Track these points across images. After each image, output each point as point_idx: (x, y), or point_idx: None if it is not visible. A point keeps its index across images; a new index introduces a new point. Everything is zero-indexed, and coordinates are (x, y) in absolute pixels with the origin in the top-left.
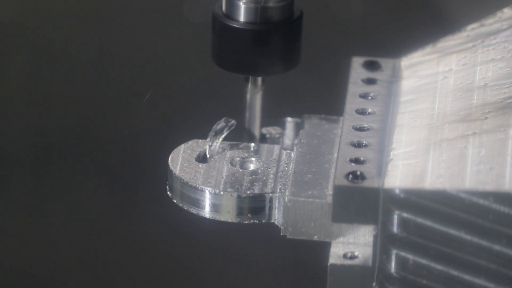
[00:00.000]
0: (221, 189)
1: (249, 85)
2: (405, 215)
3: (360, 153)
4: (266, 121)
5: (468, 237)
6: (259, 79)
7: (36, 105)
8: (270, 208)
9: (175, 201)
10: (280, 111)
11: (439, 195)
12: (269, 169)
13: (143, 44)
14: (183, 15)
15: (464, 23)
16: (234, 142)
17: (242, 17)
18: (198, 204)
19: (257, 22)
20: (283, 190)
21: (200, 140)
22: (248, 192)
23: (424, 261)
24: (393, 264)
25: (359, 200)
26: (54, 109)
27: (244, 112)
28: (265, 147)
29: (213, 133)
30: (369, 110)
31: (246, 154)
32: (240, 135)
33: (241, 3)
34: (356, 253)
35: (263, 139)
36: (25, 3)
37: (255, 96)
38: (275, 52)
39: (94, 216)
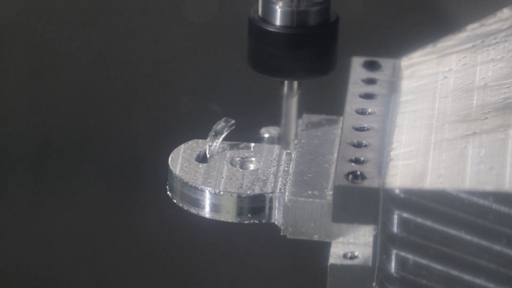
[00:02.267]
0: (221, 189)
1: (285, 88)
2: (405, 215)
3: (360, 153)
4: (267, 120)
5: (468, 237)
6: (295, 83)
7: (36, 105)
8: (270, 208)
9: (175, 201)
10: (281, 111)
11: (439, 195)
12: (269, 169)
13: (143, 44)
14: (183, 15)
15: (464, 23)
16: (234, 142)
17: (278, 21)
18: (198, 204)
19: (293, 26)
20: (283, 190)
21: (200, 140)
22: (248, 192)
23: (424, 261)
24: (393, 264)
25: (359, 200)
26: (54, 109)
27: (279, 117)
28: (265, 147)
29: (213, 133)
30: (369, 110)
31: (246, 154)
32: (240, 135)
33: (278, 7)
34: (356, 253)
35: (260, 137)
36: (25, 3)
37: (291, 100)
38: (311, 56)
39: (94, 216)
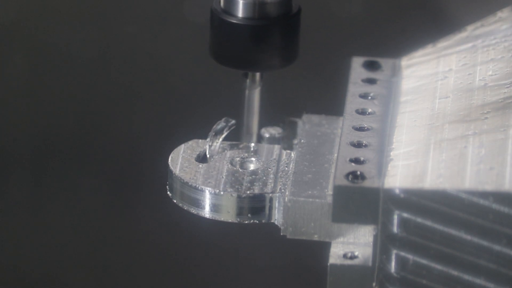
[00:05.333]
0: (221, 189)
1: (248, 80)
2: (405, 215)
3: (360, 153)
4: (267, 120)
5: (468, 237)
6: (258, 75)
7: (36, 105)
8: (270, 208)
9: (175, 201)
10: (280, 111)
11: (439, 195)
12: (269, 169)
13: (143, 44)
14: (183, 15)
15: (464, 23)
16: (234, 142)
17: (240, 13)
18: (198, 204)
19: (255, 17)
20: (283, 190)
21: (200, 140)
22: (248, 192)
23: (424, 261)
24: (393, 264)
25: (359, 200)
26: (54, 109)
27: (242, 108)
28: (265, 147)
29: (213, 133)
30: (369, 110)
31: (246, 154)
32: (240, 135)
33: None
34: (356, 253)
35: (260, 138)
36: (25, 3)
37: (253, 92)
38: (273, 47)
39: (94, 216)
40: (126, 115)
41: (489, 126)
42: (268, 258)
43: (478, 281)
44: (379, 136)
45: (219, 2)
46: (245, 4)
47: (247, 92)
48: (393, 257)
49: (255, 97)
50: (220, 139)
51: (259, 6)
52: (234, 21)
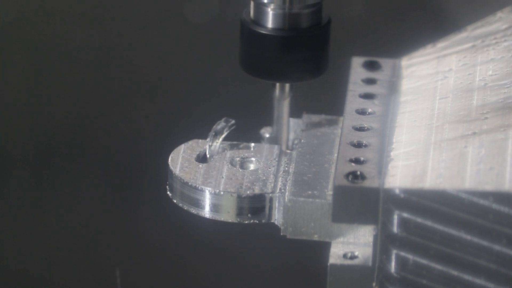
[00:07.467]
0: (221, 189)
1: (277, 91)
2: (405, 215)
3: (360, 153)
4: (266, 120)
5: (468, 237)
6: (287, 86)
7: (36, 105)
8: (270, 208)
9: (175, 201)
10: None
11: (439, 195)
12: (269, 169)
13: (143, 44)
14: (183, 15)
15: (464, 23)
16: (234, 142)
17: (270, 24)
18: (198, 204)
19: (285, 29)
20: (283, 190)
21: (200, 140)
22: (248, 192)
23: (424, 261)
24: (393, 264)
25: (359, 200)
26: (54, 109)
27: (271, 119)
28: (265, 147)
29: (213, 133)
30: (369, 110)
31: (246, 154)
32: (240, 135)
33: (269, 9)
34: (356, 253)
35: (260, 138)
36: (25, 3)
37: (282, 103)
38: (303, 59)
39: (94, 216)
40: (126, 115)
41: (489, 126)
42: (268, 258)
43: (478, 281)
44: (379, 136)
45: (249, 12)
46: (275, 15)
47: (276, 102)
48: (393, 257)
49: (284, 107)
50: (220, 139)
51: (289, 17)
52: (264, 32)
